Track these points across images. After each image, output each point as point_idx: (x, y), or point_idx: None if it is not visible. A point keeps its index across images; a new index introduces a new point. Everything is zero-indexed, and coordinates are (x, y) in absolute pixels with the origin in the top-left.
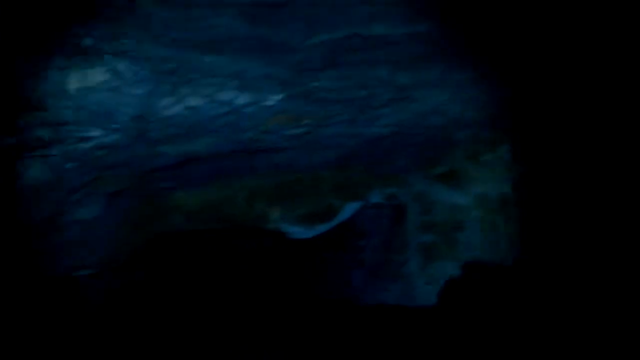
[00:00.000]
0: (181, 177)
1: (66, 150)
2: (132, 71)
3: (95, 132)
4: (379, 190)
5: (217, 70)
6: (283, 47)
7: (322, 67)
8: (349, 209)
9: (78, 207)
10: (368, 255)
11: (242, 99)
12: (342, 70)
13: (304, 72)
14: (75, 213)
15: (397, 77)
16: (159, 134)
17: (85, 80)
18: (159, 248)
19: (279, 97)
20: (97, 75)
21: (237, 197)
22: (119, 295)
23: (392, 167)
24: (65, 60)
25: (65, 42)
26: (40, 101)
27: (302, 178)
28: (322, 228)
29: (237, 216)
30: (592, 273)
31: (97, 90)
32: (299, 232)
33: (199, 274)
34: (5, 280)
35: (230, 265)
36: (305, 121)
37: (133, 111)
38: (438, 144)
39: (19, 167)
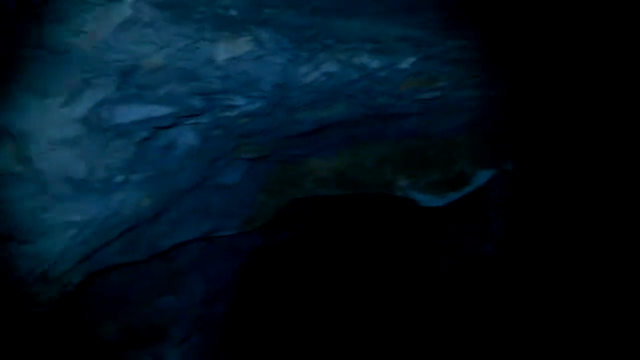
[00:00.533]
0: (315, 144)
1: (214, 118)
2: (274, 40)
3: (240, 101)
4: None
5: (352, 34)
6: (419, 6)
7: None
8: (482, 177)
9: (221, 173)
10: (499, 225)
11: (376, 62)
12: None
13: (441, 31)
14: (219, 178)
15: None
16: (297, 101)
17: (232, 51)
18: (292, 212)
19: (413, 59)
20: (242, 45)
21: (366, 164)
22: (257, 256)
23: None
24: (213, 32)
25: (213, 14)
26: (193, 72)
27: (432, 144)
28: (452, 196)
29: (365, 183)
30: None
31: (243, 60)
32: (428, 200)
33: (329, 240)
34: None
35: (359, 231)
36: (440, 83)
37: (275, 79)
38: None
39: (175, 134)
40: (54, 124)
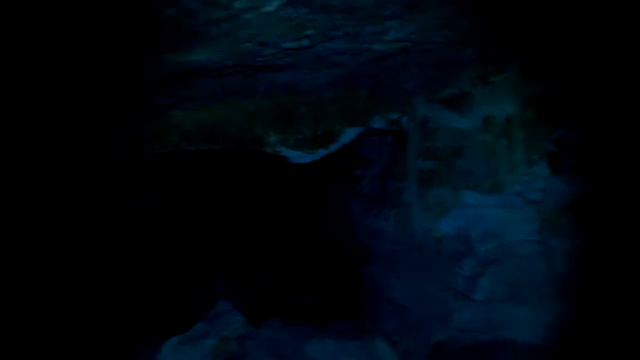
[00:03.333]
0: (181, 94)
1: None
2: None
3: None
4: (381, 115)
5: None
6: None
7: None
8: (350, 134)
9: None
10: (367, 183)
11: (239, 2)
12: None
13: None
14: None
15: None
16: (157, 39)
17: None
18: (155, 169)
19: (280, 2)
20: None
21: (235, 119)
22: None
23: (396, 90)
24: None
25: None
26: None
27: (303, 101)
28: (321, 152)
29: (235, 138)
30: None
31: None
32: (297, 156)
33: (195, 197)
34: None
35: (227, 189)
36: (307, 31)
37: None
38: (446, 64)
39: None
40: None
